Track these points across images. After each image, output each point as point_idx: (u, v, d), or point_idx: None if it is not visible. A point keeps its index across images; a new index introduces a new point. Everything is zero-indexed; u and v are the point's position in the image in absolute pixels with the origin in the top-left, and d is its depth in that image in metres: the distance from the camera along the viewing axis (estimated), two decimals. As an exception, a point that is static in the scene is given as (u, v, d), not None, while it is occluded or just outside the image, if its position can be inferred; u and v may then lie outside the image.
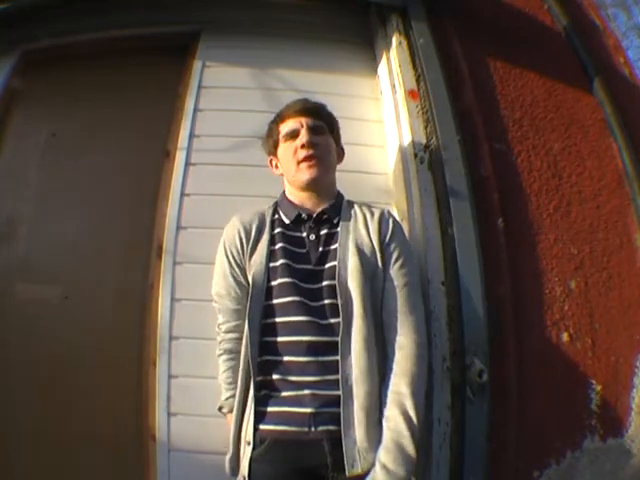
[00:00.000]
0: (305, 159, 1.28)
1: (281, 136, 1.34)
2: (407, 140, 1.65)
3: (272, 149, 1.38)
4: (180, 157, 1.75)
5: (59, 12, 1.88)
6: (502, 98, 1.76)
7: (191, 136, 1.78)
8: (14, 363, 1.64)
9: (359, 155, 1.76)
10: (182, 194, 1.70)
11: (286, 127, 1.33)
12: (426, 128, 1.64)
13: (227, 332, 1.33)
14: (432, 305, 1.43)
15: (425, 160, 1.60)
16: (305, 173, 1.28)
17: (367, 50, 1.96)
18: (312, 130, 1.30)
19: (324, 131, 1.33)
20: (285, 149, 1.33)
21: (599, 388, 1.49)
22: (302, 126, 1.30)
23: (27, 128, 1.90)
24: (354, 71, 1.93)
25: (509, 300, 1.51)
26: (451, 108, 1.64)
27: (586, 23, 1.98)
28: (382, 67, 1.86)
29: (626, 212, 1.68)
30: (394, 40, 1.79)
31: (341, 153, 1.42)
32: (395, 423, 1.10)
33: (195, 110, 1.81)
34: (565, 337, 1.52)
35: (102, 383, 1.61)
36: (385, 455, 1.08)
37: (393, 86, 1.75)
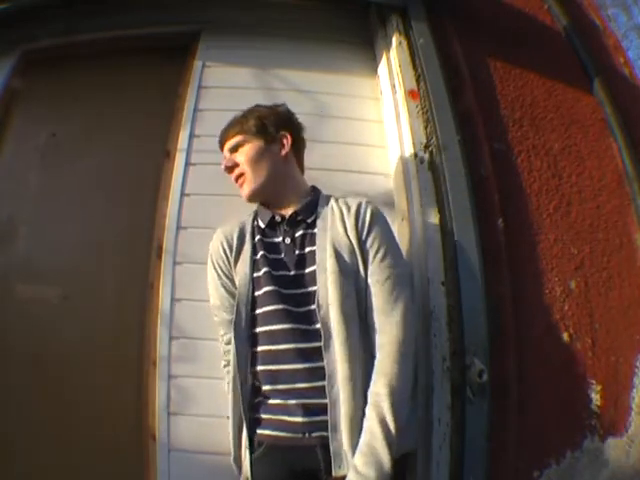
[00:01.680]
0: (235, 181, 1.32)
1: None
2: (407, 140, 1.65)
3: None
4: (180, 157, 1.75)
5: (59, 12, 1.87)
6: (502, 98, 1.75)
7: (191, 136, 1.77)
8: (14, 363, 1.64)
9: (359, 155, 1.76)
10: (182, 194, 1.70)
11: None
12: (426, 128, 1.64)
13: (228, 343, 1.32)
14: (432, 305, 1.43)
15: (425, 160, 1.59)
16: (242, 193, 1.32)
17: (367, 50, 1.95)
18: (229, 154, 1.33)
19: (240, 145, 1.31)
20: None
21: (599, 388, 1.49)
22: (225, 156, 1.34)
23: (27, 128, 1.90)
24: (354, 71, 1.92)
25: (509, 300, 1.51)
26: (451, 108, 1.64)
27: (586, 23, 1.98)
28: (382, 67, 1.86)
29: (626, 212, 1.68)
30: (394, 40, 1.79)
31: (280, 141, 1.31)
32: (370, 425, 1.09)
33: (195, 110, 1.81)
34: (565, 337, 1.52)
35: (102, 383, 1.60)
36: (358, 457, 1.07)
37: (393, 86, 1.75)
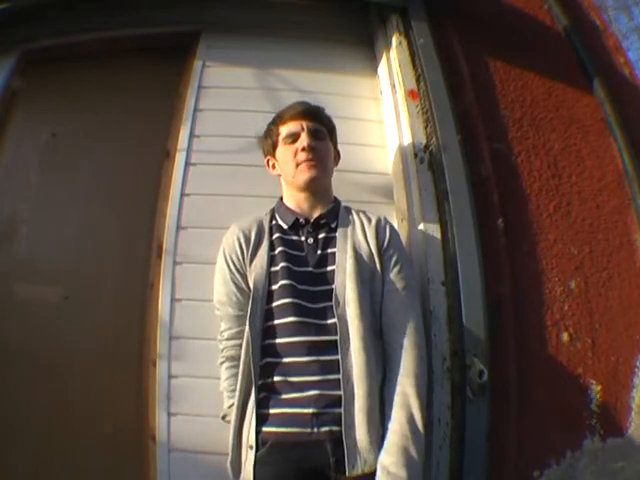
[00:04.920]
0: (305, 161, 1.29)
1: (281, 138, 1.34)
2: (407, 140, 1.65)
3: (270, 150, 1.39)
4: (180, 157, 1.74)
5: (59, 12, 1.87)
6: (502, 98, 1.76)
7: (191, 136, 1.77)
8: (14, 363, 1.63)
9: (359, 155, 1.76)
10: (182, 194, 1.70)
11: (286, 129, 1.34)
12: (426, 128, 1.64)
13: (229, 339, 1.33)
14: (432, 305, 1.43)
15: (425, 160, 1.60)
16: (305, 173, 1.29)
17: (367, 50, 1.96)
18: (312, 134, 1.32)
19: (324, 136, 1.35)
20: (284, 151, 1.34)
21: (599, 388, 1.49)
22: (303, 129, 1.32)
23: (27, 128, 1.90)
24: (354, 71, 1.92)
25: (509, 300, 1.51)
26: (451, 108, 1.64)
27: (586, 23, 1.98)
28: (382, 67, 1.86)
29: (626, 212, 1.68)
30: (394, 40, 1.79)
31: (337, 156, 1.44)
32: (399, 425, 1.10)
33: (195, 110, 1.81)
34: (565, 337, 1.52)
35: (102, 383, 1.60)
36: (387, 457, 1.07)
37: (393, 86, 1.75)
